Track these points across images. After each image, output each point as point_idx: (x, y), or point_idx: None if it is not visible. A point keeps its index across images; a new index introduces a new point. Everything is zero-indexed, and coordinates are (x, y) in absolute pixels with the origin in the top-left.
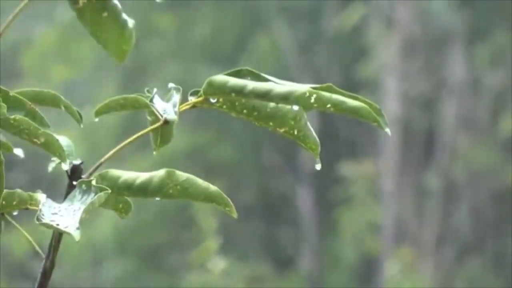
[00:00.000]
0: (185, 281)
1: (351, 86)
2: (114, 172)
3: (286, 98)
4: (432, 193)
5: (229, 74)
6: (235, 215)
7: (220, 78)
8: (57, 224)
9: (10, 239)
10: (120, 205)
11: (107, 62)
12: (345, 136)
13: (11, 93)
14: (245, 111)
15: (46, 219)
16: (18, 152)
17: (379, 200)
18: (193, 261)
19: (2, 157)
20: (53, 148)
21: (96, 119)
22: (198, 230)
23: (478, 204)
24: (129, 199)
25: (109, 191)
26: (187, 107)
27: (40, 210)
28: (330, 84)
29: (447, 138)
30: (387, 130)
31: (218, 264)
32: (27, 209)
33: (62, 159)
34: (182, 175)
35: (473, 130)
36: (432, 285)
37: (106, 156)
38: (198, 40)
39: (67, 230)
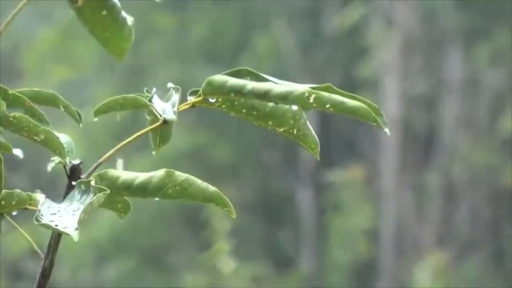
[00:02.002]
0: (187, 281)
1: (351, 86)
2: (113, 172)
3: (285, 98)
4: (432, 193)
5: (228, 74)
6: (234, 215)
7: (219, 78)
8: (56, 225)
9: (10, 239)
10: (119, 205)
11: (107, 62)
12: (345, 136)
13: (10, 91)
14: (244, 110)
15: (45, 220)
16: (17, 152)
17: (379, 199)
18: (198, 261)
19: (1, 156)
20: (53, 145)
21: (96, 119)
22: (208, 231)
23: (477, 204)
24: (128, 199)
25: (108, 191)
26: (186, 107)
27: (39, 210)
28: (329, 84)
29: (447, 138)
30: (386, 130)
31: (229, 265)
32: (26, 209)
33: (62, 156)
34: (181, 175)
35: (473, 130)
36: (433, 284)
37: (105, 156)
38: (198, 40)
39: (66, 230)
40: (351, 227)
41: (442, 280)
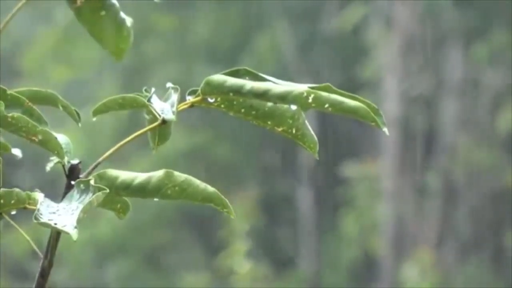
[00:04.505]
0: (188, 281)
1: (351, 86)
2: (112, 172)
3: (283, 98)
4: (432, 193)
5: (227, 74)
6: (233, 215)
7: (218, 77)
8: (55, 224)
9: (10, 238)
10: (118, 205)
11: (107, 62)
12: (345, 136)
13: (9, 91)
14: (243, 110)
15: (44, 218)
16: (16, 152)
17: (379, 200)
18: (197, 261)
19: None
20: (51, 145)
21: (94, 119)
22: (209, 231)
23: (477, 204)
24: (127, 199)
25: (107, 190)
26: (185, 106)
27: (38, 209)
28: (328, 84)
29: (447, 138)
30: (385, 129)
31: (245, 266)
32: (25, 208)
33: (60, 156)
34: (180, 175)
35: (473, 130)
36: (432, 284)
37: (104, 155)
38: (198, 41)
39: (65, 229)
40: (353, 228)
41: (432, 278)
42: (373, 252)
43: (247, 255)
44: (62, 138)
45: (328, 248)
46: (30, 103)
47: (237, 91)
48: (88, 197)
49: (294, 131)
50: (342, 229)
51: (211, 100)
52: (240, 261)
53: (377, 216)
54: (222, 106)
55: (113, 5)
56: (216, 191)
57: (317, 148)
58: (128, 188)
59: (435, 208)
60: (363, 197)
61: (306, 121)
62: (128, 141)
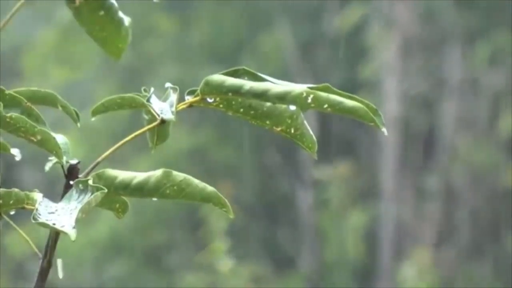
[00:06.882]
0: (186, 281)
1: (352, 87)
2: (111, 172)
3: (283, 98)
4: (431, 193)
5: (226, 74)
6: (232, 215)
7: (217, 77)
8: (54, 224)
9: (10, 238)
10: (117, 205)
11: (108, 63)
12: (344, 136)
13: (7, 91)
14: (241, 110)
15: (42, 218)
16: (15, 152)
17: (379, 200)
18: (197, 261)
19: None
20: (49, 145)
21: (93, 119)
22: (206, 230)
23: (477, 204)
24: (126, 199)
25: (106, 190)
26: (184, 106)
27: (37, 209)
28: (327, 84)
29: (447, 138)
30: (384, 129)
31: (227, 264)
32: (23, 208)
33: (59, 156)
34: (179, 175)
35: (473, 130)
36: (432, 285)
37: (103, 155)
38: (199, 41)
39: (63, 229)
40: (352, 227)
41: (432, 279)
42: (373, 252)
43: (229, 254)
44: (60, 138)
45: (329, 248)
46: (28, 103)
47: (236, 91)
48: (87, 197)
49: (292, 131)
50: (340, 229)
51: (210, 100)
52: (224, 259)
53: (376, 216)
54: (221, 106)
55: (112, 5)
56: (215, 190)
57: (316, 148)
58: (127, 188)
59: (435, 208)
60: (361, 197)
61: (305, 121)
62: (127, 141)
